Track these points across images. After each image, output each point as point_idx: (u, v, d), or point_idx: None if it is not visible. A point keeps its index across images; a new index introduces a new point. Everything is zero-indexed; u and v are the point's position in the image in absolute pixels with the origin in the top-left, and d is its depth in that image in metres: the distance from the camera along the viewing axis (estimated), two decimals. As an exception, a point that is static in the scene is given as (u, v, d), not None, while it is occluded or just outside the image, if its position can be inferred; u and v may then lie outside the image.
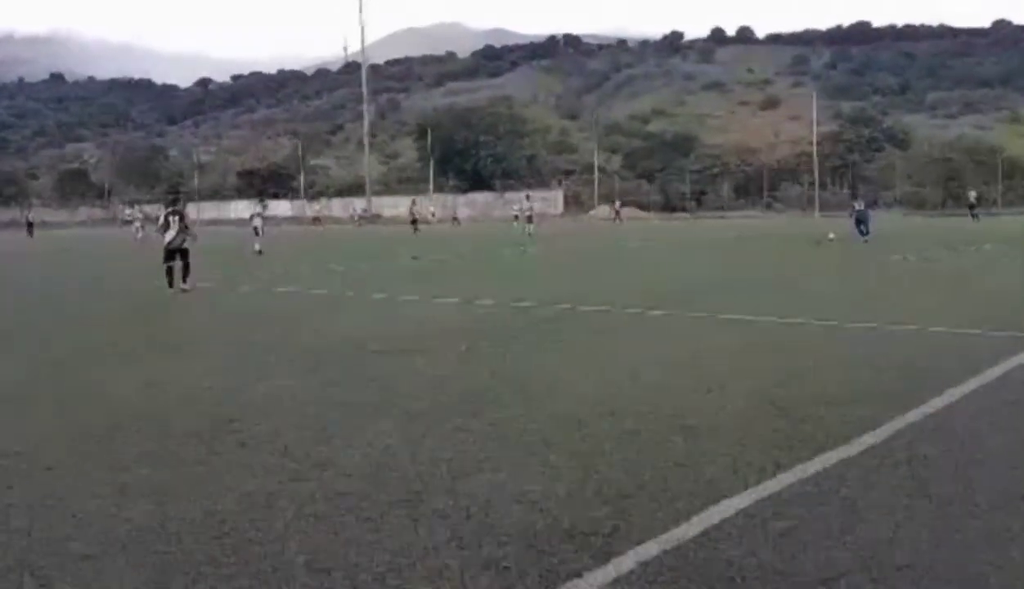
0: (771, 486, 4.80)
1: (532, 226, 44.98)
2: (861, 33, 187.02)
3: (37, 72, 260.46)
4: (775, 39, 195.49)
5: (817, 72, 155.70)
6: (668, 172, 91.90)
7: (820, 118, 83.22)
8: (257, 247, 30.62)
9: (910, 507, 4.50)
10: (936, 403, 6.63)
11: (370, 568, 3.86)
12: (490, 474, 5.14)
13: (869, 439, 5.68)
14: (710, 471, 5.08)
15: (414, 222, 49.94)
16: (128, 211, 57.79)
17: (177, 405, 7.22)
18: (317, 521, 4.45)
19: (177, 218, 18.57)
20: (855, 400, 6.81)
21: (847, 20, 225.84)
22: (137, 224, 47.91)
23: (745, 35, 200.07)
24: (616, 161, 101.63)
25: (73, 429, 6.49)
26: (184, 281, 17.97)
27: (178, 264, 18.09)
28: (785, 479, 4.91)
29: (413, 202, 53.35)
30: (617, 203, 70.72)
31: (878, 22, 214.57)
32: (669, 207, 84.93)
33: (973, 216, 51.04)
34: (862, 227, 31.12)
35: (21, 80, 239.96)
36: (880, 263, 22.10)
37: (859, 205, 32.99)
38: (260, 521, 4.46)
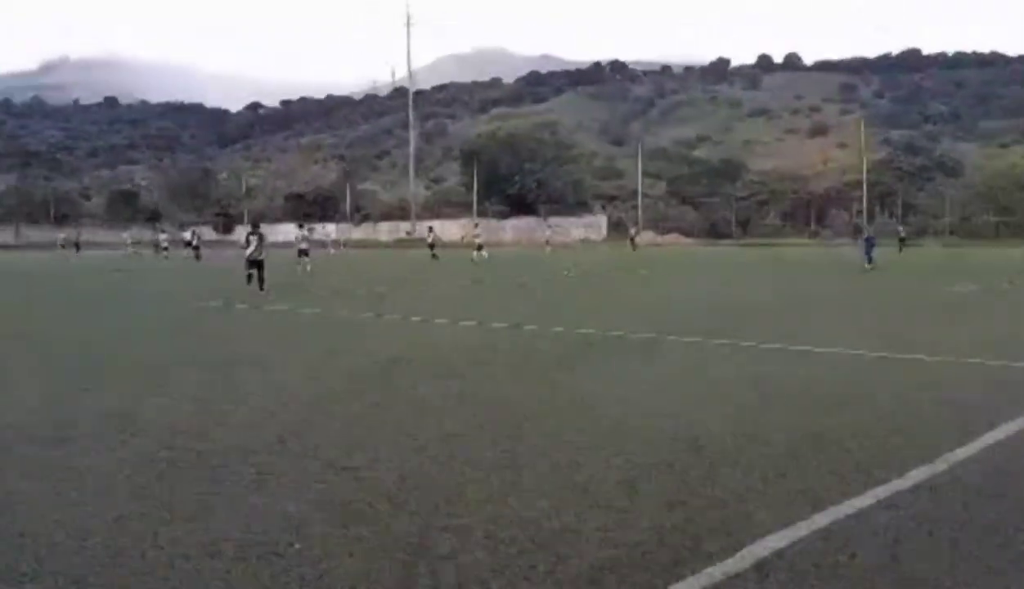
0: (819, 520, 4.69)
1: (484, 253, 45.07)
2: (911, 60, 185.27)
3: (92, 95, 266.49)
4: (823, 66, 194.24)
5: (866, 99, 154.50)
6: (713, 199, 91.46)
7: (869, 146, 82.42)
8: (308, 268, 31.69)
9: (958, 542, 4.39)
10: (989, 438, 6.46)
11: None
12: (528, 499, 5.08)
13: (921, 473, 5.55)
14: (754, 503, 4.98)
15: (432, 247, 49.71)
16: (162, 235, 59.84)
17: (219, 420, 7.28)
18: (358, 542, 4.43)
19: (256, 238, 23.01)
20: (906, 432, 6.67)
21: (897, 47, 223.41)
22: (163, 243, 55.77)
23: (792, 62, 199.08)
24: (661, 187, 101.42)
25: (128, 452, 6.54)
26: (261, 287, 22.19)
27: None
28: (833, 513, 4.79)
29: (430, 229, 53.57)
30: (632, 229, 70.38)
31: (928, 49, 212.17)
32: (714, 234, 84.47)
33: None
34: (870, 254, 32.15)
35: (76, 102, 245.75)
36: (929, 294, 21.74)
37: (868, 233, 34.54)
38: (302, 539, 4.46)
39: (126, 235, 61.47)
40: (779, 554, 4.21)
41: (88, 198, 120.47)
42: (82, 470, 5.86)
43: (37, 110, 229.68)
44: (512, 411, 7.48)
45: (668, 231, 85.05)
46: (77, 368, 10.78)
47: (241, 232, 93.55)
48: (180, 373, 10.14)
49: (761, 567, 4.05)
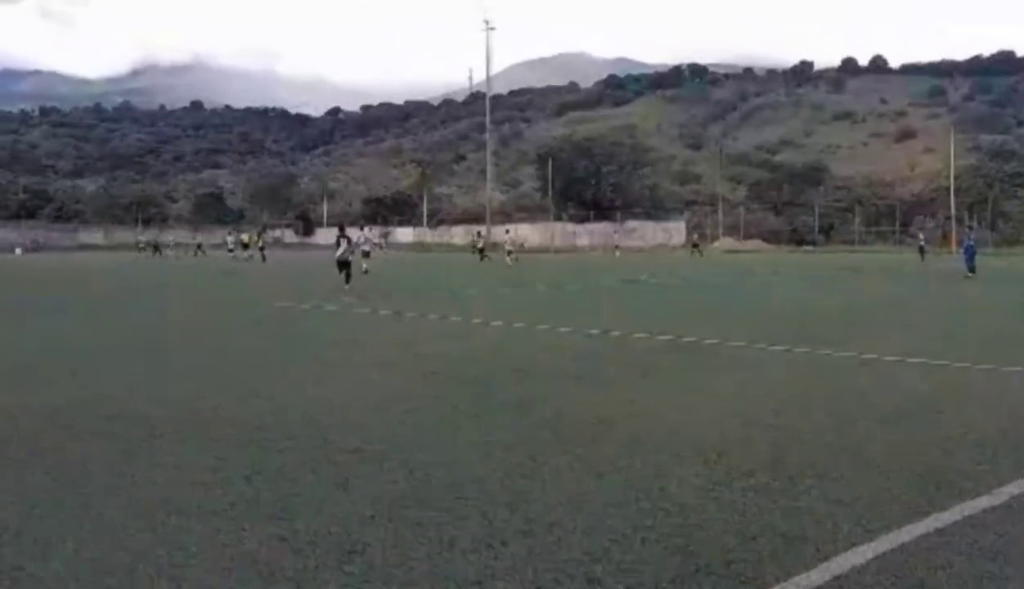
0: (906, 534, 4.52)
1: (514, 256, 45.92)
2: (1003, 63, 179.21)
3: (178, 100, 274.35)
4: (910, 69, 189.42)
5: (955, 103, 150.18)
6: (796, 204, 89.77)
7: (958, 151, 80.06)
8: (364, 267, 32.36)
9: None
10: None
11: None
12: (605, 506, 4.99)
13: (1013, 489, 5.29)
14: (842, 516, 4.82)
15: (481, 251, 49.95)
16: (229, 237, 60.97)
17: (301, 422, 7.27)
18: (425, 543, 4.39)
19: (344, 240, 25.45)
20: (1001, 447, 6.38)
21: (988, 49, 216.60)
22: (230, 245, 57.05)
23: (878, 65, 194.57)
24: (741, 192, 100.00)
25: (205, 445, 6.59)
26: (347, 282, 24.47)
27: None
28: (921, 527, 4.62)
29: (478, 234, 53.88)
30: (695, 234, 68.93)
31: (1022, 52, 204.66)
32: (796, 240, 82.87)
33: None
34: (971, 262, 31.14)
35: (162, 107, 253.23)
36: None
37: (968, 240, 33.18)
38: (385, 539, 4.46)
39: (229, 237, 61.86)
40: (861, 569, 4.08)
41: (174, 201, 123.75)
42: (181, 464, 5.96)
43: (126, 114, 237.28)
44: (589, 417, 7.35)
45: (749, 237, 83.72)
46: (156, 367, 10.96)
47: (321, 234, 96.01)
48: (274, 372, 10.23)
49: (841, 581, 3.93)
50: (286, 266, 44.80)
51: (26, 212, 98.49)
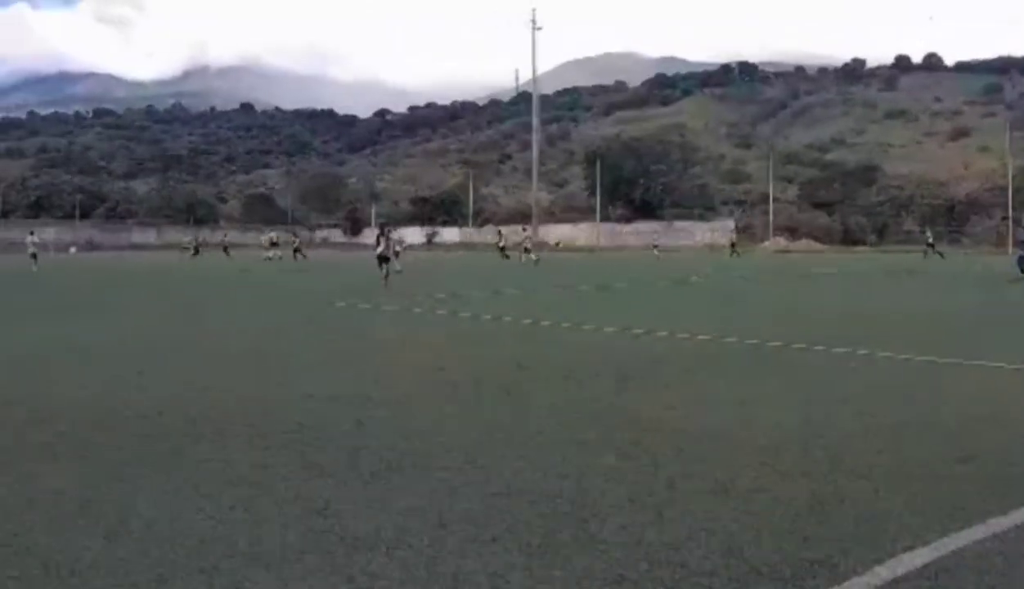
0: (958, 540, 4.30)
1: (532, 255, 45.99)
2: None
3: (228, 102, 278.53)
4: (965, 67, 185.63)
5: (1011, 101, 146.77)
6: (847, 203, 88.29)
7: (1014, 150, 78.15)
8: (397, 267, 31.82)
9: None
10: None
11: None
12: (656, 505, 4.85)
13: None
14: (893, 520, 4.61)
15: (503, 249, 50.28)
16: (264, 237, 61.10)
17: (337, 420, 7.18)
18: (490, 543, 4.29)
19: (384, 239, 27.46)
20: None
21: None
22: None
23: (932, 62, 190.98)
24: (792, 191, 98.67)
25: (256, 438, 6.52)
26: (386, 278, 26.05)
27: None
28: (973, 534, 4.38)
29: (499, 233, 53.67)
30: (732, 234, 67.14)
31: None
32: (848, 240, 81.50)
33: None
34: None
35: (213, 109, 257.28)
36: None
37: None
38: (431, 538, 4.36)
39: (265, 237, 61.97)
40: (916, 574, 3.89)
41: (225, 201, 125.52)
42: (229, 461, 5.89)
43: (178, 116, 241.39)
44: (636, 418, 7.14)
45: (800, 237, 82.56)
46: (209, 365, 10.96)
47: (368, 234, 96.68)
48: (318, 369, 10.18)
49: (895, 585, 3.77)
50: (325, 265, 45.00)
51: (81, 212, 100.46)
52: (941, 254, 52.67)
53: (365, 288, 24.33)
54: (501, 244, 51.44)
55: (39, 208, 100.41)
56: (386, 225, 30.48)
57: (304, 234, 51.76)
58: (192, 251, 61.86)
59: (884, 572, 3.89)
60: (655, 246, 62.38)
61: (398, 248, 34.50)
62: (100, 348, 12.18)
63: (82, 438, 6.50)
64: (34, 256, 42.03)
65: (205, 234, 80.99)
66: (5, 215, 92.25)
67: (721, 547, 4.20)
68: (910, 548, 4.16)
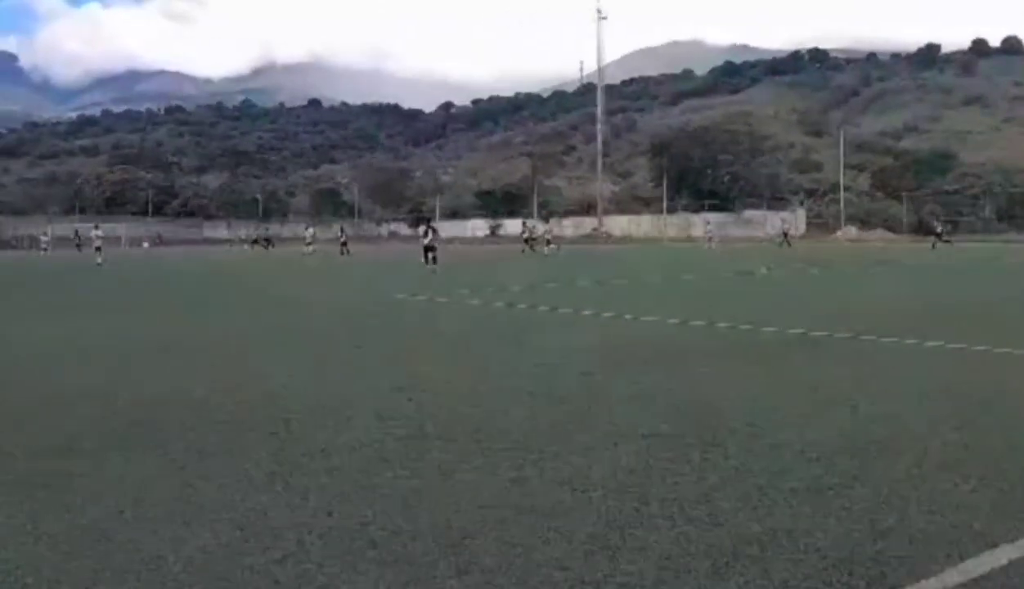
0: None
1: (553, 246, 48.31)
2: None
3: (296, 98, 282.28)
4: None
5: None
6: (921, 192, 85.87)
7: (1100, 134, 75.26)
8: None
9: None
10: None
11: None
12: (735, 502, 4.70)
13: None
14: (969, 515, 4.41)
15: (528, 241, 50.89)
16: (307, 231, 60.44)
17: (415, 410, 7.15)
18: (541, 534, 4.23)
19: (430, 230, 32.35)
20: None
21: None
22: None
23: (1011, 46, 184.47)
24: (863, 180, 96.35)
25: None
26: (434, 264, 29.86)
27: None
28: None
29: (524, 224, 54.98)
30: (784, 224, 63.75)
31: None
32: (922, 230, 79.30)
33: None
34: None
35: (282, 105, 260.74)
36: None
37: None
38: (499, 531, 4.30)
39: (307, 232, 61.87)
40: (1002, 570, 3.74)
41: (293, 195, 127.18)
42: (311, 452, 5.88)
43: (247, 112, 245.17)
44: (710, 411, 6.95)
45: (872, 227, 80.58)
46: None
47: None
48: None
49: (977, 583, 3.64)
50: (369, 259, 45.26)
51: (153, 208, 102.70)
52: (950, 242, 52.53)
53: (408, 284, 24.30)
54: (526, 236, 52.96)
55: (113, 204, 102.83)
56: (430, 220, 38.33)
57: (370, 228, 50.75)
58: (257, 244, 63.05)
59: (965, 569, 3.73)
60: (709, 238, 61.30)
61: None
62: (186, 343, 12.31)
63: (158, 428, 6.55)
64: (98, 249, 42.88)
65: (271, 229, 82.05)
66: (82, 211, 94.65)
67: (792, 542, 4.07)
68: (993, 545, 3.97)
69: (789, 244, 56.23)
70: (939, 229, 53.86)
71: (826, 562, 3.83)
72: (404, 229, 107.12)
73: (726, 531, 4.22)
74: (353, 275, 32.65)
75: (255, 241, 70.11)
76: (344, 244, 53.54)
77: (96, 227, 47.11)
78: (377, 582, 3.69)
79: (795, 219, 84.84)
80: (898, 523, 4.29)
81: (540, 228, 55.09)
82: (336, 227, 63.40)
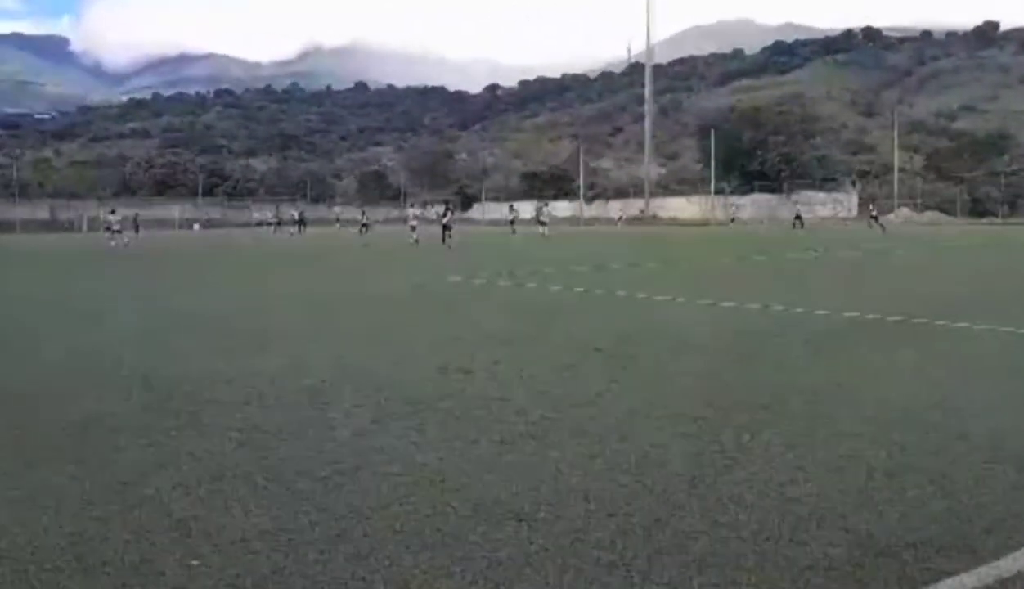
0: None
1: (544, 230, 48.07)
2: None
3: (342, 81, 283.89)
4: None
5: None
6: (977, 174, 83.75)
7: None
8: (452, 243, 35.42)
9: None
10: None
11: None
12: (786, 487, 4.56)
13: None
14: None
15: (542, 224, 50.19)
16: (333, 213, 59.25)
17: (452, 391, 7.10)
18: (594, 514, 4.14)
19: (448, 211, 38.45)
20: None
21: None
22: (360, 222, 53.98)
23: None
24: (918, 161, 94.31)
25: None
26: (446, 241, 35.02)
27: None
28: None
29: (538, 210, 53.71)
30: (797, 206, 65.59)
31: None
32: (977, 212, 77.42)
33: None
34: None
35: (328, 88, 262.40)
36: None
37: None
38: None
39: (270, 215, 61.18)
40: None
41: (340, 178, 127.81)
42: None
43: (295, 95, 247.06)
44: (763, 393, 6.72)
45: (926, 208, 78.86)
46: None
47: (476, 209, 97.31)
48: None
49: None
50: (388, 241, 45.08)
51: (204, 190, 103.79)
52: (883, 226, 51.51)
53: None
54: (511, 218, 53.76)
55: (164, 186, 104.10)
56: (449, 202, 44.13)
57: (412, 211, 49.42)
58: (298, 225, 62.74)
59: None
60: (732, 219, 61.17)
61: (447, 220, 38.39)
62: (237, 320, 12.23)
63: (216, 407, 6.48)
64: (117, 232, 41.39)
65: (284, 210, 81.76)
66: (133, 193, 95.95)
67: (845, 527, 3.95)
68: None
69: (802, 225, 57.28)
70: (874, 212, 55.60)
71: (877, 546, 3.72)
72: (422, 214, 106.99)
73: (776, 517, 4.09)
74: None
75: (279, 222, 68.92)
76: (364, 226, 52.76)
77: (112, 212, 44.35)
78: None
79: (848, 200, 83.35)
80: (950, 512, 4.12)
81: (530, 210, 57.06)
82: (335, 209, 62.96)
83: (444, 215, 38.08)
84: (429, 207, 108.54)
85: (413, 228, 42.23)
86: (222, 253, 36.42)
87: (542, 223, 49.66)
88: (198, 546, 3.78)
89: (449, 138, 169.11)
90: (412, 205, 49.31)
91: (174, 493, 4.48)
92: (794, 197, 75.99)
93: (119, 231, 41.51)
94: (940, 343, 9.45)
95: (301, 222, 64.56)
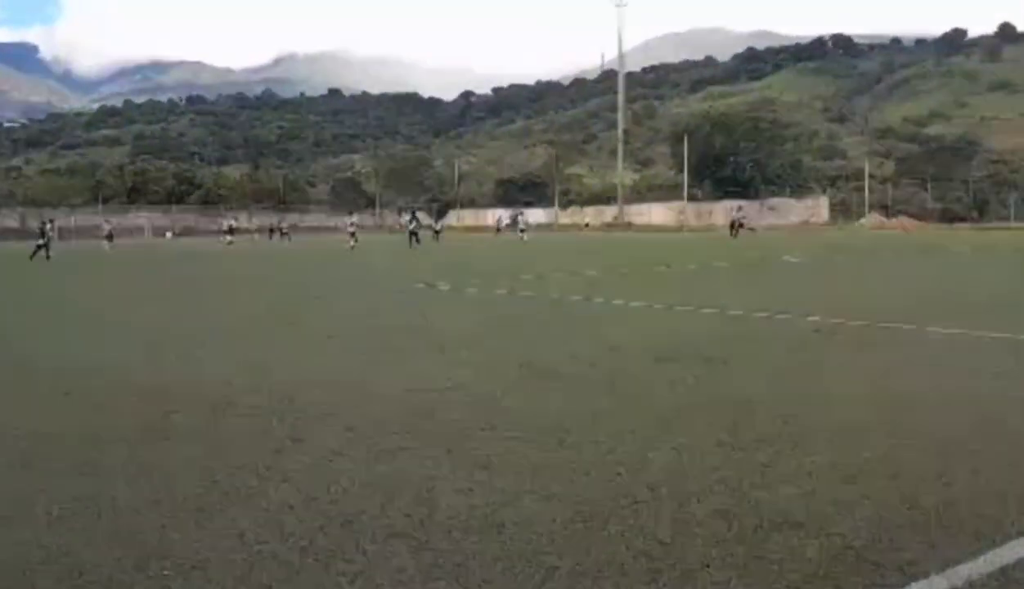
0: None
1: (525, 236, 50.84)
2: None
3: (317, 88, 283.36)
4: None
5: None
6: (947, 179, 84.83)
7: None
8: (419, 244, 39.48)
9: None
10: None
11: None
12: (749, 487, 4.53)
13: None
14: (998, 506, 4.19)
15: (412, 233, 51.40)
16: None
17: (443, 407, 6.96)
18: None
19: (414, 219, 43.39)
20: None
21: None
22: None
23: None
24: (888, 167, 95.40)
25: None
26: (418, 244, 38.62)
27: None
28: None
29: (513, 218, 60.25)
30: (739, 212, 55.87)
31: None
32: (947, 217, 78.37)
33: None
34: None
35: (302, 95, 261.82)
36: None
37: None
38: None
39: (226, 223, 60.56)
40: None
41: (313, 185, 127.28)
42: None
43: (268, 102, 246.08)
44: (739, 397, 6.65)
45: (896, 214, 79.75)
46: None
47: (452, 216, 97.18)
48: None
49: (1006, 572, 3.45)
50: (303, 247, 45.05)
51: (175, 198, 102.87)
52: (753, 229, 50.99)
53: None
54: (498, 226, 61.12)
55: (136, 194, 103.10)
56: (415, 210, 51.44)
57: (350, 219, 49.47)
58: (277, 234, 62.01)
59: (994, 559, 3.55)
60: (682, 226, 61.50)
61: (413, 226, 43.54)
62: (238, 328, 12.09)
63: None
64: (43, 245, 36.96)
65: (289, 219, 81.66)
66: (104, 201, 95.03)
67: (811, 530, 3.91)
68: (1020, 533, 3.79)
69: (735, 235, 49.88)
70: (743, 219, 53.67)
71: (846, 548, 3.70)
72: (424, 218, 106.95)
73: (743, 520, 4.04)
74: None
75: (229, 230, 64.31)
76: (284, 233, 56.61)
77: (45, 222, 39.52)
78: None
79: (820, 206, 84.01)
80: (918, 514, 4.11)
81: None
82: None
83: (411, 222, 43.53)
84: (403, 213, 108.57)
85: (351, 234, 44.16)
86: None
87: (523, 230, 52.52)
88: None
89: (424, 144, 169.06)
90: (351, 213, 50.07)
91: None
92: (734, 204, 75.34)
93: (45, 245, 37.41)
94: (906, 347, 9.48)
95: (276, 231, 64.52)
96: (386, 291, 18.06)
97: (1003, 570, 3.45)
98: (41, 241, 36.91)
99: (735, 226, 51.51)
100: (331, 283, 20.23)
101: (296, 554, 3.67)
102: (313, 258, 34.89)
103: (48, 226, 39.04)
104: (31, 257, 34.97)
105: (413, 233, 41.83)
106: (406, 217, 49.87)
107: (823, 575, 3.44)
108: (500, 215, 66.43)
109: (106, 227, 52.51)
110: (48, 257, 35.57)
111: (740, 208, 58.14)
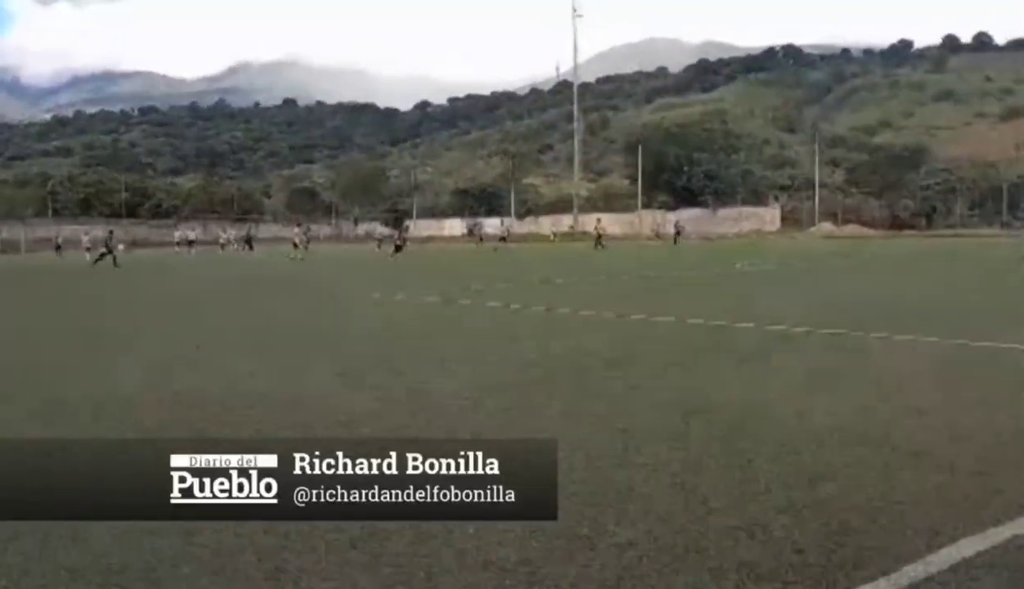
0: (1017, 527, 4.08)
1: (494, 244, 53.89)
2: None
3: (272, 97, 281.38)
4: (1018, 45, 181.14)
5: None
6: (895, 187, 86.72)
7: (1069, 128, 76.24)
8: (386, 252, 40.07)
9: None
10: None
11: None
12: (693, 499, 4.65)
13: None
14: (942, 507, 4.39)
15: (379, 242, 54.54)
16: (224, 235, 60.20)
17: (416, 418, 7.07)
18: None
19: (388, 230, 38.64)
20: None
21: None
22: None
23: (982, 41, 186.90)
24: (839, 176, 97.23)
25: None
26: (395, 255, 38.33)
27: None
28: None
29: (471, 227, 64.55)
30: (674, 219, 70.03)
31: None
32: (896, 225, 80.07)
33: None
34: None
35: (257, 105, 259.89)
36: None
37: None
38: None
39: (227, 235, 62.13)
40: (968, 563, 3.71)
41: (269, 196, 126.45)
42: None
43: (222, 112, 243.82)
44: (685, 407, 6.77)
45: (846, 222, 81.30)
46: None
47: (409, 224, 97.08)
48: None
49: (957, 570, 3.64)
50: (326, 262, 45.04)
51: (127, 210, 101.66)
52: (603, 246, 49.23)
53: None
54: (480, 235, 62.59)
55: (88, 206, 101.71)
56: (385, 222, 50.19)
57: (297, 229, 50.50)
58: (243, 244, 61.57)
59: (934, 561, 3.71)
60: (657, 234, 64.56)
61: (378, 236, 47.13)
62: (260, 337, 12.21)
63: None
64: None
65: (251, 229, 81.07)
66: (56, 213, 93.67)
67: (762, 537, 4.03)
68: (963, 535, 3.96)
69: (603, 246, 50.18)
70: (679, 227, 63.08)
71: (799, 555, 3.82)
72: (380, 228, 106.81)
73: (698, 526, 4.18)
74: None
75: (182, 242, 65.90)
76: (248, 241, 57.87)
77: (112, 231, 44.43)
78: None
79: (771, 215, 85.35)
80: (867, 517, 4.26)
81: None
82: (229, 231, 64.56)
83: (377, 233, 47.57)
84: (359, 223, 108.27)
85: (295, 245, 45.90)
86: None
87: (503, 238, 57.31)
88: None
89: (380, 155, 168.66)
90: (299, 225, 51.95)
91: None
92: (674, 215, 76.44)
93: None
94: (852, 353, 9.68)
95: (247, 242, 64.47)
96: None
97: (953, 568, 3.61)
98: (104, 250, 39.97)
99: (677, 235, 61.82)
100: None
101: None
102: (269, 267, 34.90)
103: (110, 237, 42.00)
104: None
105: (380, 241, 46.44)
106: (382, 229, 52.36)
107: (776, 581, 3.55)
108: (479, 221, 67.74)
109: (85, 239, 52.40)
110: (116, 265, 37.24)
111: (678, 221, 65.69)
